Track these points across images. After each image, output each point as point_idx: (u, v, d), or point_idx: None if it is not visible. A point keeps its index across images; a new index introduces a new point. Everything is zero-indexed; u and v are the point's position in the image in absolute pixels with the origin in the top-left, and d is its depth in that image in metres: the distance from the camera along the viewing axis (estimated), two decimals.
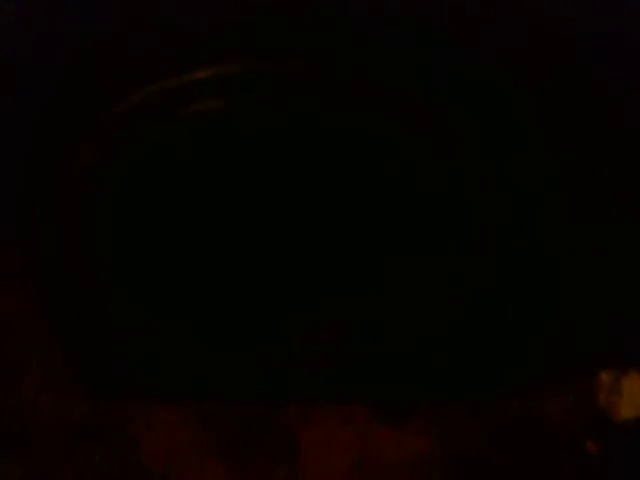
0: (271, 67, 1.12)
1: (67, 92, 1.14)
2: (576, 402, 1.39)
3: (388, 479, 1.30)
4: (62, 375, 1.37)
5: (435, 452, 1.32)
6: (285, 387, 1.36)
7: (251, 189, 1.25)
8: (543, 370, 1.43)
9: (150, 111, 1.14)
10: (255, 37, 1.12)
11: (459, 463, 1.33)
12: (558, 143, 1.23)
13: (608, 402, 1.35)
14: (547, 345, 1.43)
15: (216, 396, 1.37)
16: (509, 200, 1.28)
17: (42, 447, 1.33)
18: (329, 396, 1.37)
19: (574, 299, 1.42)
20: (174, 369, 1.33)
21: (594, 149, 1.23)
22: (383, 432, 1.35)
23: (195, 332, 1.33)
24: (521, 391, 1.41)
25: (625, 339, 1.37)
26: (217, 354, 1.33)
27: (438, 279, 1.30)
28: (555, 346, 1.43)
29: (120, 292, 1.29)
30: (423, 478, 1.30)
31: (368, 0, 1.09)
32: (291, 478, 1.30)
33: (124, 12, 1.10)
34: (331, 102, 1.14)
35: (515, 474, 1.33)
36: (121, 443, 1.32)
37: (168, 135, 1.18)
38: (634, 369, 1.39)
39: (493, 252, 1.28)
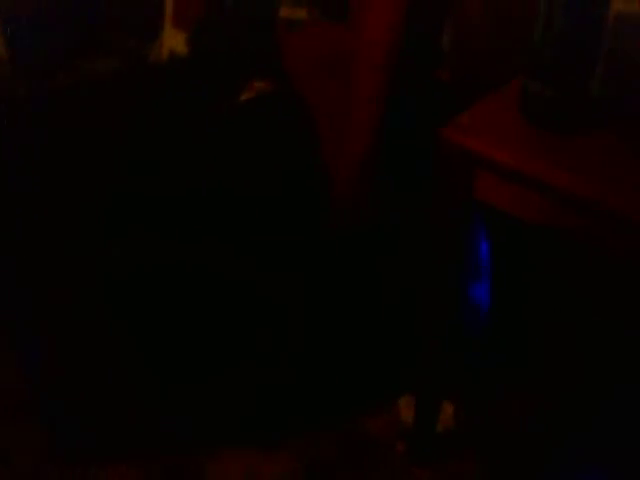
0: None
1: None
2: (387, 419, 2.09)
3: None
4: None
5: (298, 466, 2.04)
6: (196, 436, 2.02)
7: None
8: (364, 398, 2.13)
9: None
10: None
11: (312, 471, 2.04)
12: None
13: (407, 417, 2.05)
14: (365, 385, 2.13)
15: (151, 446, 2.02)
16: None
17: None
18: (226, 439, 2.04)
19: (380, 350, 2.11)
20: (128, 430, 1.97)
21: None
22: (263, 457, 2.03)
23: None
24: (350, 415, 2.11)
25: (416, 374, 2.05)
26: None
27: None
28: (370, 385, 2.13)
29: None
30: None
31: None
32: None
33: None
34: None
35: (351, 473, 2.04)
36: None
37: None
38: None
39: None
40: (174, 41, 2.23)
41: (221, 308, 1.91)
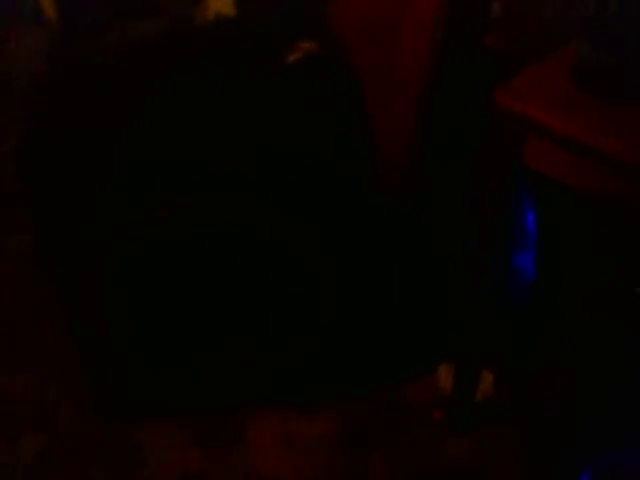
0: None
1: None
2: (426, 386, 2.09)
3: (306, 449, 2.00)
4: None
5: (334, 429, 2.05)
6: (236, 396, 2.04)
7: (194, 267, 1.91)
8: (403, 365, 2.13)
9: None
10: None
11: (349, 435, 2.05)
12: None
13: (446, 385, 2.04)
14: (405, 351, 2.13)
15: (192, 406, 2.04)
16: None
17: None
18: (265, 400, 2.05)
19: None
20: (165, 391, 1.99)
21: None
22: (300, 418, 2.04)
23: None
24: (389, 381, 2.11)
25: (457, 342, 2.05)
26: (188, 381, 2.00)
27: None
28: (410, 352, 2.13)
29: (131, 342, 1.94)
30: (328, 446, 2.02)
31: None
32: (242, 452, 2.01)
33: None
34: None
35: (387, 439, 2.04)
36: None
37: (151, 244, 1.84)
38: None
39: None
40: (220, 3, 2.22)
41: (249, 272, 1.92)
